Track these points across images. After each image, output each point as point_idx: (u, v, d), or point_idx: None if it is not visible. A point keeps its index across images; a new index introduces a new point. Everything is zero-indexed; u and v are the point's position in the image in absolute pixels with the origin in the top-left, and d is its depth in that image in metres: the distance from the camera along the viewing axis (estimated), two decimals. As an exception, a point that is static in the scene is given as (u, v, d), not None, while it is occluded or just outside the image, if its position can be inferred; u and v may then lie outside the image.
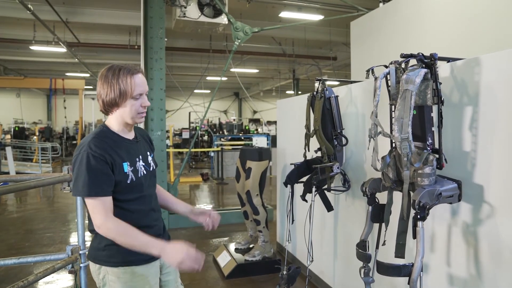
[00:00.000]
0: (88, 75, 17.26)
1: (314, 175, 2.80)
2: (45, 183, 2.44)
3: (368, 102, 2.85)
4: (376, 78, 2.00)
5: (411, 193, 1.91)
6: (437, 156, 1.85)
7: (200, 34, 11.95)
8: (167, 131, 17.48)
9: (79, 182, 1.60)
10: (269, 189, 8.87)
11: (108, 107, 1.69)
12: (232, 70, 12.60)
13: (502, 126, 1.79)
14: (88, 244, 1.97)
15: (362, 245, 2.12)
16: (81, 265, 2.42)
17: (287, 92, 22.19)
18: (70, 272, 2.50)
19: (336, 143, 2.88)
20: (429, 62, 1.83)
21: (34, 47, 11.64)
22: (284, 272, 3.15)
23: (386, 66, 2.07)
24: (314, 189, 2.81)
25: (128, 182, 1.68)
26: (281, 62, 16.42)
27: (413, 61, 1.94)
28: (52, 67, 16.83)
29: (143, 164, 1.79)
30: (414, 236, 1.77)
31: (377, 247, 2.20)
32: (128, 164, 1.70)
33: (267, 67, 17.02)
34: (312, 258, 2.91)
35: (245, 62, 15.13)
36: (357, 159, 2.98)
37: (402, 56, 1.95)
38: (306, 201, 2.90)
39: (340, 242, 3.24)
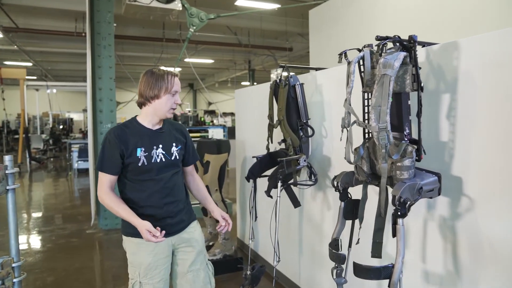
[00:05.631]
0: (30, 64, 16.10)
1: (280, 169, 2.62)
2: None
3: (334, 90, 2.70)
4: (349, 63, 1.83)
5: (388, 187, 1.78)
6: (415, 147, 1.72)
7: (152, 22, 11.38)
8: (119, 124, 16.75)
9: (98, 158, 2.01)
10: (227, 181, 8.64)
11: (147, 100, 2.00)
12: (186, 60, 12.12)
13: (482, 114, 1.68)
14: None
15: (334, 245, 1.96)
16: (15, 280, 2.08)
17: (243, 83, 21.94)
18: (1, 288, 2.17)
19: (302, 134, 2.71)
20: (408, 45, 1.68)
21: (-37, 32, 10.56)
22: (248, 272, 2.95)
23: (359, 50, 1.91)
24: (279, 184, 2.63)
25: (139, 165, 1.98)
26: (236, 53, 16.14)
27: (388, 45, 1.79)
28: (-12, 55, 15.51)
29: (163, 152, 2.04)
30: (394, 235, 1.63)
31: (349, 245, 2.05)
32: (143, 149, 1.99)
33: (222, 57, 16.67)
34: (279, 258, 2.74)
35: (200, 52, 14.69)
36: (323, 151, 2.83)
37: (378, 38, 1.79)
38: (271, 197, 2.72)
39: (306, 238, 3.10)
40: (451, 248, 1.84)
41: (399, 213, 1.59)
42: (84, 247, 4.77)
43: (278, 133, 2.88)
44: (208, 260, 2.26)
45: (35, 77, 19.70)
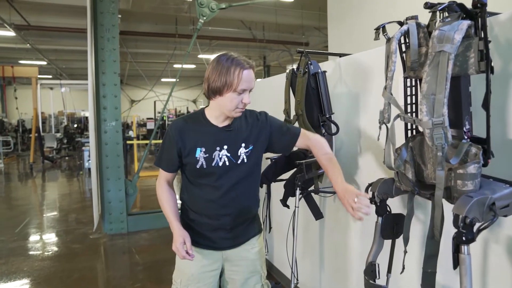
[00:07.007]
0: (44, 63, 15.98)
1: (298, 173, 2.21)
2: None
3: (361, 79, 2.28)
4: (389, 39, 1.42)
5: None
6: (480, 148, 1.29)
7: (165, 18, 11.10)
8: (131, 122, 16.51)
9: (159, 151, 1.84)
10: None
11: (211, 93, 1.68)
12: (200, 56, 11.83)
13: None
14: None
15: (370, 271, 1.55)
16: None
17: (258, 80, 21.54)
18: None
19: (324, 131, 2.30)
20: (472, 11, 1.26)
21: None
22: (261, 291, 2.56)
23: (401, 24, 1.50)
24: (298, 191, 2.21)
25: (197, 167, 1.73)
26: (251, 48, 15.74)
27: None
28: (3, 54, 15.45)
29: (228, 154, 1.74)
30: (456, 266, 1.21)
31: (389, 270, 1.64)
32: (203, 150, 1.72)
33: (237, 53, 16.28)
34: (297, 280, 2.33)
35: (214, 48, 14.34)
36: (349, 151, 2.42)
37: (427, 5, 1.37)
38: (288, 206, 2.32)
39: (328, 253, 2.69)
40: (526, 279, 1.41)
41: (464, 238, 1.17)
42: (86, 254, 4.44)
43: (295, 131, 2.47)
44: (266, 280, 1.95)
45: (50, 76, 19.65)
